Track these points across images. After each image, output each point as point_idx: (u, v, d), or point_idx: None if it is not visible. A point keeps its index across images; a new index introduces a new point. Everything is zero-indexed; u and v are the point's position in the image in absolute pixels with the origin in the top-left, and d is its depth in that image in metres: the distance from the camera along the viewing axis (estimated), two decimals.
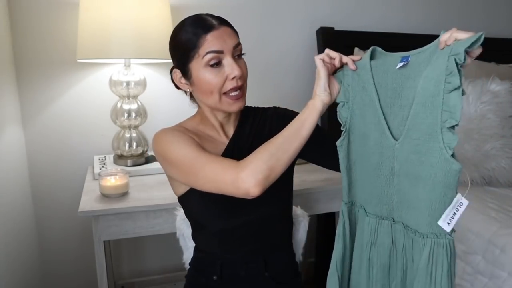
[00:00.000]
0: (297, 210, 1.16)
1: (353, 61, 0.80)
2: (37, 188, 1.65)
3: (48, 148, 1.63)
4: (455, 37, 0.63)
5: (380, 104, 0.76)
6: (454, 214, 0.66)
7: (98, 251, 1.24)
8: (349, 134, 0.82)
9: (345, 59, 0.81)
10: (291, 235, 1.07)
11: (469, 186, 0.84)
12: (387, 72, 0.75)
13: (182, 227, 1.12)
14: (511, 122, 1.61)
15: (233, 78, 0.85)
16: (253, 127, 0.98)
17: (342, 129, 0.82)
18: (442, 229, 0.68)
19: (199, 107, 0.97)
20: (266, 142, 0.81)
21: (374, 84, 0.76)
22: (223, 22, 0.88)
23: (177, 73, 0.91)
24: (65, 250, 1.72)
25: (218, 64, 0.85)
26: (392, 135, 0.75)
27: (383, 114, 0.76)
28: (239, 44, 0.88)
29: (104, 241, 1.25)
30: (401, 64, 0.71)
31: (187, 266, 1.09)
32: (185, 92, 0.95)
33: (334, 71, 0.83)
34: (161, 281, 1.86)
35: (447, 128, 0.64)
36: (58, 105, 1.62)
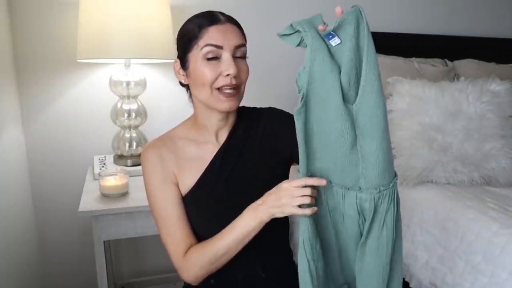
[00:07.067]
0: None
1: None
2: (37, 188, 1.65)
3: (48, 148, 1.63)
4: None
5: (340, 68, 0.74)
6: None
7: (98, 251, 1.24)
8: (308, 101, 0.75)
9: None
10: (288, 236, 1.06)
11: None
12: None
13: None
14: (511, 122, 1.61)
15: (227, 75, 0.84)
16: (246, 131, 0.96)
17: (299, 94, 0.75)
18: (392, 176, 0.75)
19: (194, 110, 0.96)
20: (211, 242, 0.85)
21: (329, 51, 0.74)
22: (231, 20, 0.87)
23: (177, 63, 0.91)
24: (65, 250, 1.72)
25: (215, 58, 0.84)
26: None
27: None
28: (243, 45, 0.87)
29: (104, 241, 1.25)
30: (335, 40, 0.72)
31: None
32: (185, 87, 0.94)
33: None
34: (161, 281, 1.86)
35: None
36: (58, 105, 1.62)
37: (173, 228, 0.89)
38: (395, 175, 0.77)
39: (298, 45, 0.74)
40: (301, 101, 0.74)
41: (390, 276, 0.80)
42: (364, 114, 0.72)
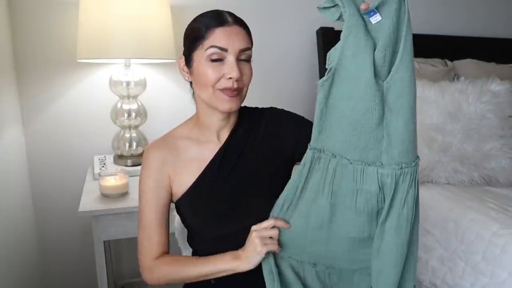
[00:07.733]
0: None
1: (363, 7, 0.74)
2: (37, 188, 1.65)
3: (48, 148, 1.63)
4: None
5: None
6: None
7: (98, 251, 1.24)
8: (335, 76, 0.75)
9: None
10: None
11: None
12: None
13: (181, 227, 1.12)
14: (511, 122, 1.61)
15: (229, 78, 0.84)
16: (247, 131, 0.96)
17: (327, 67, 0.75)
18: (414, 157, 0.77)
19: (196, 108, 0.96)
20: (187, 264, 0.89)
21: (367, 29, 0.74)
22: (238, 22, 0.87)
23: (182, 59, 0.91)
24: (65, 250, 1.72)
25: (219, 60, 0.84)
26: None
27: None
28: (248, 49, 0.86)
29: (104, 241, 1.25)
30: (376, 17, 0.73)
31: None
32: (190, 83, 0.94)
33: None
34: None
35: None
36: (58, 105, 1.62)
37: (153, 232, 0.91)
38: (417, 157, 0.78)
39: (338, 19, 0.75)
40: (327, 73, 0.75)
41: (406, 257, 0.82)
42: (394, 92, 0.73)
